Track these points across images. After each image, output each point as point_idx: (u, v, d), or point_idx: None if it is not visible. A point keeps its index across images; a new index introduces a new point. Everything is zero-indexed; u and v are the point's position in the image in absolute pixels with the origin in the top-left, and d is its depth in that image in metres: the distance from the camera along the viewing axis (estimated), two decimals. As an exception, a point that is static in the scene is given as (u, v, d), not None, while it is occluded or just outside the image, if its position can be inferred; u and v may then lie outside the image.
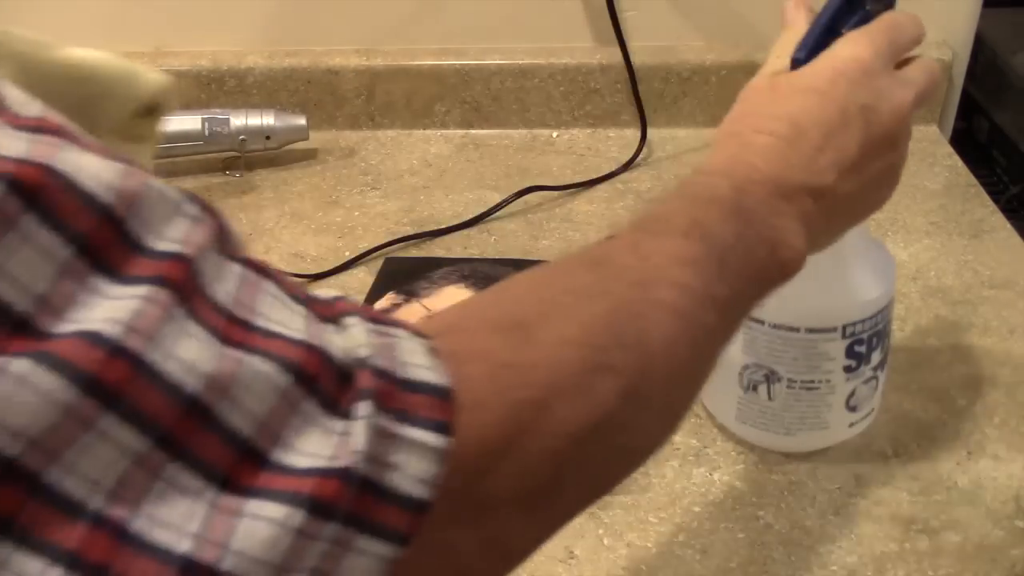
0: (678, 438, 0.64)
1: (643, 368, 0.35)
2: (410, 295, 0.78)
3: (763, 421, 0.60)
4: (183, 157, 0.97)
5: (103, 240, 0.25)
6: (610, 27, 1.00)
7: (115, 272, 0.25)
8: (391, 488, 0.28)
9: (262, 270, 0.29)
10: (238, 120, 0.96)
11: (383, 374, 0.29)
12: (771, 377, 0.58)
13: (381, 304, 0.76)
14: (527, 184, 0.93)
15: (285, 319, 0.28)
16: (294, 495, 0.26)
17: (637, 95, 1.02)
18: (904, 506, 0.59)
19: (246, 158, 0.99)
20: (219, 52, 1.04)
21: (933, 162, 0.98)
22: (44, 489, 0.23)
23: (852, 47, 0.47)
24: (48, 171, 0.25)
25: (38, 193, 0.24)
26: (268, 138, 0.97)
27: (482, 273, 0.80)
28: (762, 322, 0.57)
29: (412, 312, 0.75)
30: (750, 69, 1.07)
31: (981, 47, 1.06)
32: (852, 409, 0.60)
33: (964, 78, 1.04)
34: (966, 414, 0.66)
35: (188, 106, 1.03)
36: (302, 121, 0.98)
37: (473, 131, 1.05)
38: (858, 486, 0.60)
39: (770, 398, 0.59)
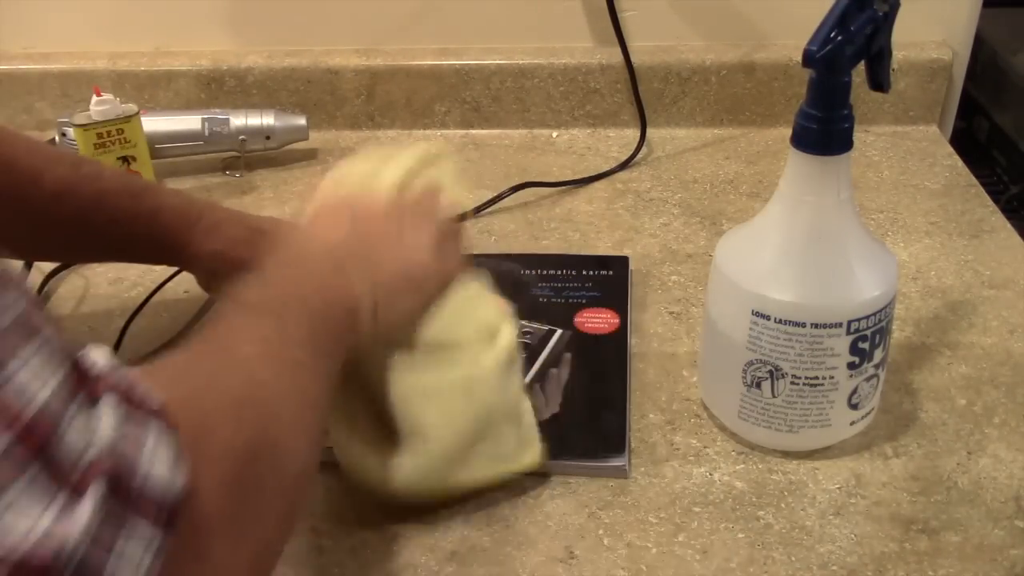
0: (678, 438, 0.64)
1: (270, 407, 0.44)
2: None
3: (766, 418, 0.60)
4: (183, 157, 0.97)
5: None
6: (610, 27, 1.00)
7: None
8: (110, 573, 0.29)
9: (36, 328, 0.31)
10: (238, 120, 0.96)
11: (120, 472, 0.31)
12: (775, 373, 0.58)
13: None
14: (527, 184, 0.93)
15: (38, 384, 0.30)
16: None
17: (637, 95, 1.02)
18: (904, 506, 0.59)
19: (246, 158, 0.99)
20: (219, 52, 1.04)
21: (933, 162, 0.98)
22: None
23: None
24: None
25: None
26: (268, 138, 0.97)
27: (486, 267, 0.80)
28: (768, 317, 0.57)
29: None
30: (750, 69, 1.08)
31: (981, 47, 1.06)
32: (854, 407, 0.60)
33: (964, 78, 1.04)
34: (966, 414, 0.66)
35: (188, 106, 1.04)
36: (302, 121, 0.98)
37: (473, 131, 1.06)
38: (858, 486, 0.60)
39: (773, 395, 0.59)
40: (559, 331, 0.72)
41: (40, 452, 0.29)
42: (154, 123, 0.94)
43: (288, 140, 0.98)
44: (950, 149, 1.00)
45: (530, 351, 0.70)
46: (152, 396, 0.34)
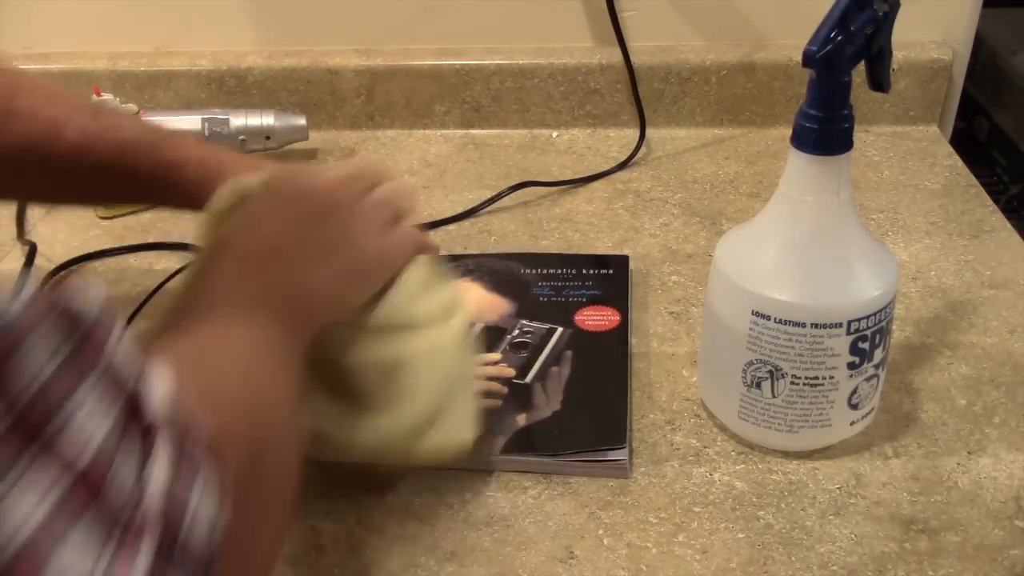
0: (678, 438, 0.64)
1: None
2: None
3: (765, 419, 0.61)
4: (183, 157, 0.97)
5: None
6: (610, 27, 1.00)
7: None
8: None
9: (93, 358, 0.30)
10: (238, 120, 0.96)
11: (170, 521, 0.31)
12: (775, 373, 0.58)
13: None
14: (527, 184, 0.93)
15: (93, 424, 0.29)
16: None
17: (637, 95, 1.02)
18: (904, 506, 0.59)
19: (246, 158, 0.98)
20: (219, 52, 1.04)
21: (933, 162, 0.98)
22: None
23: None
24: None
25: None
26: (268, 138, 0.97)
27: (487, 267, 0.80)
28: (768, 317, 0.57)
29: None
30: (750, 69, 1.08)
31: (981, 47, 1.06)
32: (854, 407, 0.60)
33: (964, 78, 1.04)
34: (966, 414, 0.66)
35: (188, 106, 1.04)
36: (302, 121, 0.98)
37: (473, 131, 1.06)
38: (858, 486, 0.60)
39: (773, 395, 0.59)
40: (560, 329, 0.73)
41: (95, 499, 0.28)
42: (154, 123, 0.94)
43: (288, 140, 0.98)
44: (950, 149, 1.00)
45: (531, 350, 0.70)
46: (203, 431, 0.34)
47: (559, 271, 0.79)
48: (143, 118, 0.91)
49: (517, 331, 0.73)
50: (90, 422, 0.29)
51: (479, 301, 0.76)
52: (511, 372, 0.68)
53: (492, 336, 0.72)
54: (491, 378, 0.68)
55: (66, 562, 0.27)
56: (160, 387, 0.33)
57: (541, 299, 0.76)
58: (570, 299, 0.76)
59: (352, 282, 0.56)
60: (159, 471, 0.31)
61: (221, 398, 0.41)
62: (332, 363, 0.56)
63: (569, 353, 0.70)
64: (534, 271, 0.80)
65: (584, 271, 0.79)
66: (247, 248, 0.53)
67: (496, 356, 0.70)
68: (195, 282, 0.51)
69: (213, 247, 0.54)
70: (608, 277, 0.79)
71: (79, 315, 0.31)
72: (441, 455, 0.59)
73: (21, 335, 0.28)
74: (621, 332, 0.72)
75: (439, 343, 0.58)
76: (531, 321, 0.73)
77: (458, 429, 0.59)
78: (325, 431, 0.56)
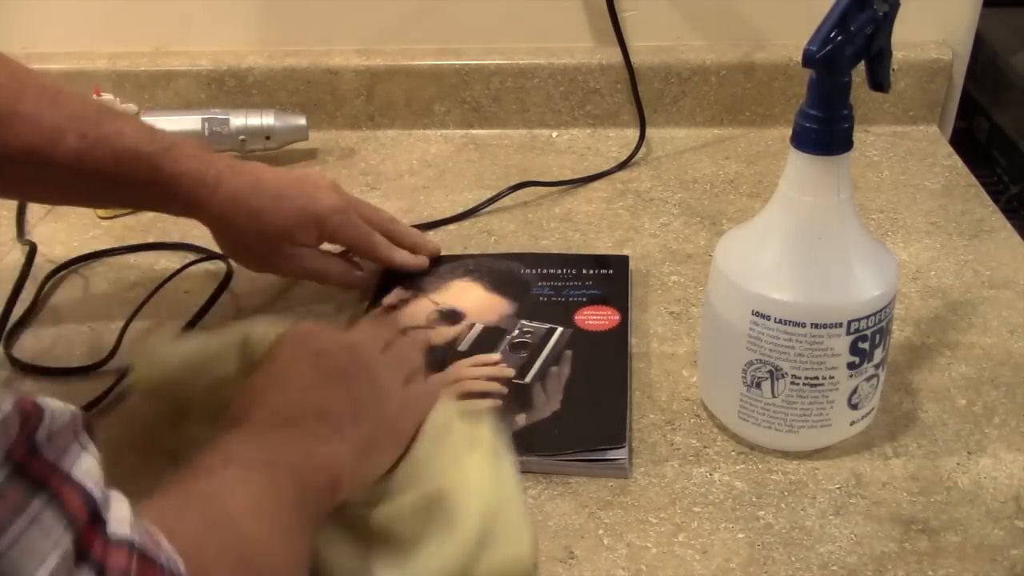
0: (678, 438, 0.64)
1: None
2: (418, 290, 0.78)
3: (765, 419, 0.61)
4: (183, 157, 0.97)
5: None
6: (610, 27, 1.00)
7: None
8: None
9: (40, 480, 0.30)
10: (238, 120, 0.96)
11: None
12: (775, 373, 0.58)
13: (389, 299, 0.76)
14: (527, 184, 0.93)
15: (34, 563, 0.28)
16: None
17: (637, 95, 1.02)
18: (904, 506, 0.59)
19: (246, 158, 0.98)
20: (219, 52, 1.04)
21: (933, 162, 0.98)
22: None
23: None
24: None
25: None
26: (268, 138, 0.97)
27: (487, 267, 0.80)
28: (768, 317, 0.57)
29: (421, 308, 0.75)
30: (750, 69, 1.08)
31: (981, 47, 1.06)
32: (854, 407, 0.60)
33: (964, 78, 1.04)
34: (966, 414, 0.66)
35: (188, 106, 1.04)
36: (302, 121, 0.98)
37: (473, 131, 1.06)
38: (858, 486, 0.60)
39: (773, 395, 0.59)
40: (560, 329, 0.72)
41: None
42: (154, 123, 0.93)
43: (288, 140, 0.98)
44: (950, 149, 1.00)
45: (531, 350, 0.70)
46: (165, 568, 0.34)
47: (559, 271, 0.79)
48: (143, 118, 0.90)
49: (517, 331, 0.73)
50: (29, 561, 0.27)
51: (479, 303, 0.76)
52: (511, 372, 0.68)
53: (492, 336, 0.72)
54: (491, 378, 0.68)
55: None
56: (120, 514, 0.32)
57: (541, 299, 0.76)
58: (570, 299, 0.76)
59: (376, 448, 0.55)
60: None
61: (204, 545, 0.40)
62: (366, 517, 0.54)
63: (569, 353, 0.70)
64: (534, 271, 0.80)
65: (584, 271, 0.79)
66: (267, 417, 0.52)
67: (496, 356, 0.70)
68: (213, 447, 0.49)
69: (233, 415, 0.53)
70: (608, 277, 0.79)
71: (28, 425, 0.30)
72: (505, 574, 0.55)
73: None
74: (621, 332, 0.72)
75: (474, 464, 0.57)
76: (531, 321, 0.73)
77: (513, 543, 0.56)
78: None
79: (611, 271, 0.80)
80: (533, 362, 0.69)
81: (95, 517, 0.31)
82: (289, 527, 0.46)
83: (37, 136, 0.63)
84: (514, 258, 0.82)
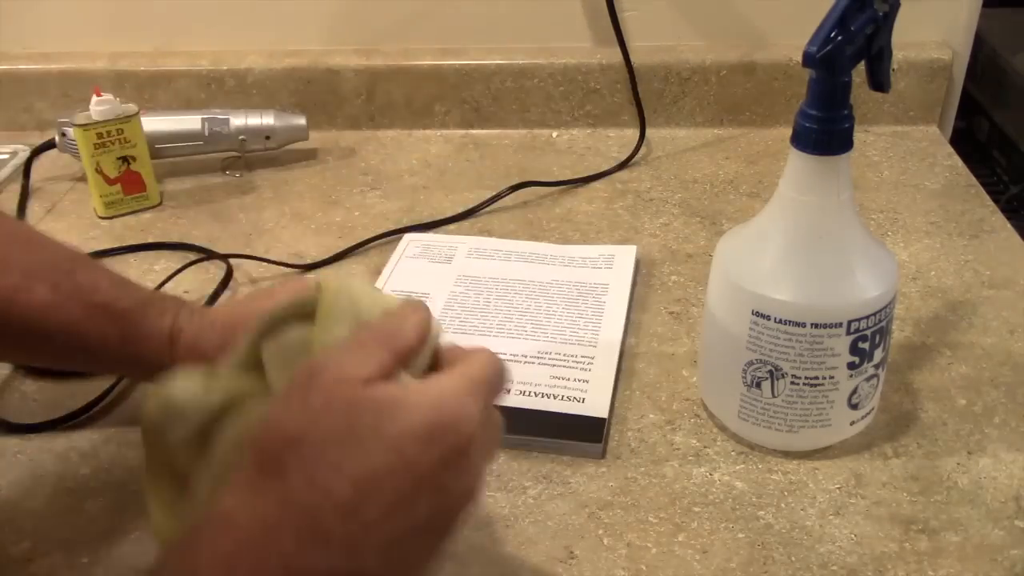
0: (678, 438, 0.64)
1: None
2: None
3: (765, 419, 0.61)
4: (183, 157, 0.97)
5: None
6: (610, 27, 1.00)
7: None
8: None
9: None
10: (238, 120, 0.96)
11: None
12: (775, 373, 0.58)
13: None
14: (527, 184, 0.93)
15: None
16: None
17: (636, 95, 1.02)
18: (904, 506, 0.59)
19: (246, 158, 0.99)
20: (219, 52, 1.04)
21: (933, 162, 0.98)
22: None
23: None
24: None
25: None
26: (268, 138, 0.97)
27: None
28: (768, 317, 0.57)
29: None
30: (750, 69, 1.08)
31: (981, 47, 1.06)
32: (854, 407, 0.60)
33: (964, 78, 1.04)
34: (966, 414, 0.66)
35: (188, 106, 1.04)
36: (302, 121, 0.98)
37: (473, 131, 1.06)
38: (858, 486, 0.60)
39: (773, 395, 0.59)
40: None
41: None
42: (154, 123, 0.94)
43: (288, 140, 0.98)
44: (950, 149, 1.00)
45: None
46: None
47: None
48: (142, 118, 0.90)
49: None
50: None
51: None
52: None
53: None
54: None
55: None
56: None
57: None
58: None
59: (419, 546, 0.41)
60: None
61: None
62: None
63: None
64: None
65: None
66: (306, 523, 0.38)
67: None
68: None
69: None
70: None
71: None
72: None
73: None
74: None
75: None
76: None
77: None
78: None
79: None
80: None
81: None
82: None
83: (3, 284, 0.56)
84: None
